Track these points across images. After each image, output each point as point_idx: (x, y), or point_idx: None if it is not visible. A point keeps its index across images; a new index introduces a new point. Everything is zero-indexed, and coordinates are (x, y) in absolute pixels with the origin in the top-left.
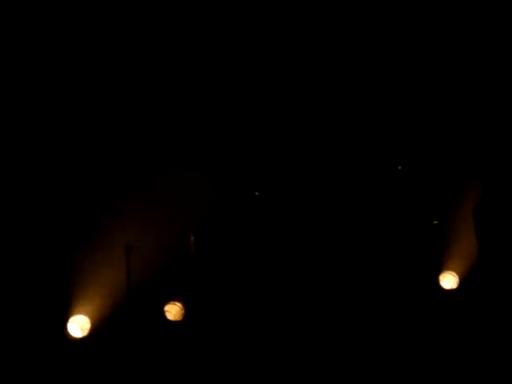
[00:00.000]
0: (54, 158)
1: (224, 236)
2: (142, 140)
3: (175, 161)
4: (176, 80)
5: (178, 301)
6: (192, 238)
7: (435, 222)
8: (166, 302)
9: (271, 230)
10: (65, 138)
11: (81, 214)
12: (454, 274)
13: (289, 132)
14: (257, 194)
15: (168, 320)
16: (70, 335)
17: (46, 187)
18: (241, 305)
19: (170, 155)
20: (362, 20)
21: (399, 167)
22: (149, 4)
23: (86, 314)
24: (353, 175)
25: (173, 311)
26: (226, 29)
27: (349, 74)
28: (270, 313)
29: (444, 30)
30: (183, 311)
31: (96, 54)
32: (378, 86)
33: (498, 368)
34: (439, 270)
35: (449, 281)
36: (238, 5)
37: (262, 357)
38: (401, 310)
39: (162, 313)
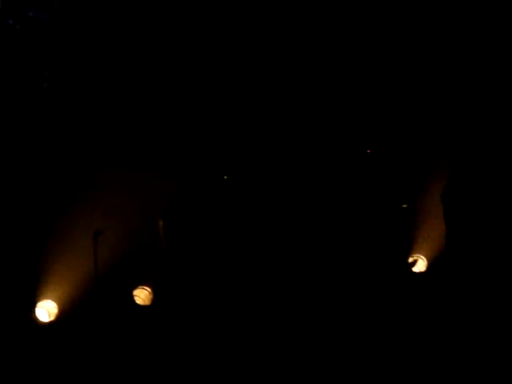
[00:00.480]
0: (21, 146)
1: (193, 220)
2: (109, 126)
3: (143, 145)
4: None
5: (147, 285)
6: (161, 222)
7: (404, 206)
8: (135, 286)
9: (240, 213)
10: (30, 125)
11: (48, 199)
12: (422, 257)
13: (255, 115)
14: (225, 177)
15: (137, 304)
16: (38, 320)
17: (13, 173)
18: (210, 290)
19: (137, 140)
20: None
21: (368, 151)
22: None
23: (53, 299)
24: (320, 157)
25: (142, 296)
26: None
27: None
28: (240, 297)
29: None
30: (152, 296)
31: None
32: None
33: (467, 353)
34: (408, 254)
35: (418, 264)
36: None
37: (231, 343)
38: (370, 293)
39: (131, 297)
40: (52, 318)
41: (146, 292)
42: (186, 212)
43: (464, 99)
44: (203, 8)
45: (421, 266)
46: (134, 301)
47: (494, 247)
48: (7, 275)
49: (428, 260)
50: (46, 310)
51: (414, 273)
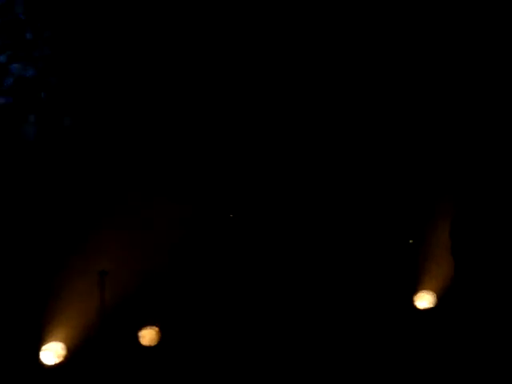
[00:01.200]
0: (31, 184)
1: (202, 257)
2: (118, 167)
3: (150, 186)
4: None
5: (153, 326)
6: (167, 258)
7: (411, 241)
8: (141, 327)
9: (247, 251)
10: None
11: (55, 239)
12: (430, 292)
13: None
14: (231, 216)
15: (143, 345)
16: (44, 363)
17: (22, 213)
18: (217, 329)
19: (144, 181)
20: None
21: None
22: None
23: (60, 340)
24: (329, 193)
25: (148, 336)
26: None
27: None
28: (246, 336)
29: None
30: (158, 336)
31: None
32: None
33: None
34: (414, 290)
35: (424, 300)
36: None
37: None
38: (377, 328)
39: (137, 338)
40: (59, 359)
41: (153, 332)
42: (194, 249)
43: (466, 135)
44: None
45: (428, 301)
46: (139, 342)
47: (503, 283)
48: (14, 316)
49: (436, 296)
50: (53, 352)
51: (421, 309)
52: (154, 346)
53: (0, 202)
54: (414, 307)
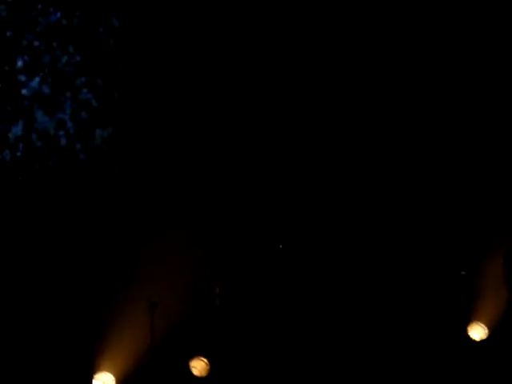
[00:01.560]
0: (79, 214)
1: (248, 288)
2: (164, 196)
3: (193, 221)
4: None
5: (204, 356)
6: (217, 289)
7: (463, 273)
8: (192, 357)
9: (292, 282)
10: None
11: (106, 270)
12: (482, 325)
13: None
14: (281, 246)
15: (194, 376)
16: None
17: (71, 242)
18: (265, 359)
19: (191, 211)
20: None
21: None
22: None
23: (110, 371)
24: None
25: (198, 367)
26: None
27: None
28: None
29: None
30: (209, 366)
31: None
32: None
33: None
34: (468, 321)
35: (478, 332)
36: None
37: None
38: (430, 359)
39: (188, 368)
40: None
41: (203, 363)
42: (240, 280)
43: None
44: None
45: (481, 333)
46: (190, 372)
47: None
48: (66, 345)
49: (489, 328)
50: (103, 383)
51: (474, 341)
52: (205, 377)
53: (52, 228)
54: (468, 338)
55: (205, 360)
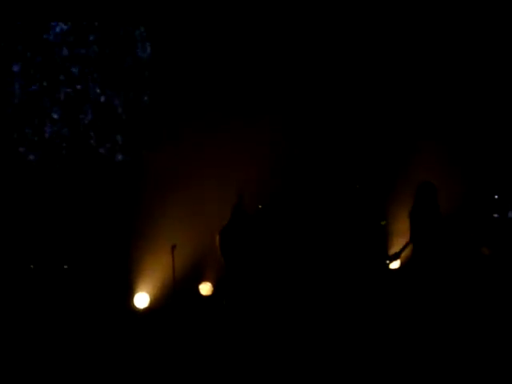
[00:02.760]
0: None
1: (240, 236)
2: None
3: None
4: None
5: (209, 281)
6: (217, 237)
7: (383, 223)
8: (200, 282)
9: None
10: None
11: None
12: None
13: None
14: (260, 207)
15: (201, 295)
16: (136, 306)
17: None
18: (254, 291)
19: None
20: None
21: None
22: None
23: (146, 291)
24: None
25: (205, 288)
26: None
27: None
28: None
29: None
30: (212, 289)
31: None
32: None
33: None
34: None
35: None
36: None
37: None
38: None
39: (198, 290)
40: (146, 305)
41: (208, 286)
42: (236, 230)
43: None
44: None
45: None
46: (199, 292)
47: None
48: (113, 277)
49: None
50: (142, 300)
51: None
52: (210, 296)
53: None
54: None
55: (209, 284)
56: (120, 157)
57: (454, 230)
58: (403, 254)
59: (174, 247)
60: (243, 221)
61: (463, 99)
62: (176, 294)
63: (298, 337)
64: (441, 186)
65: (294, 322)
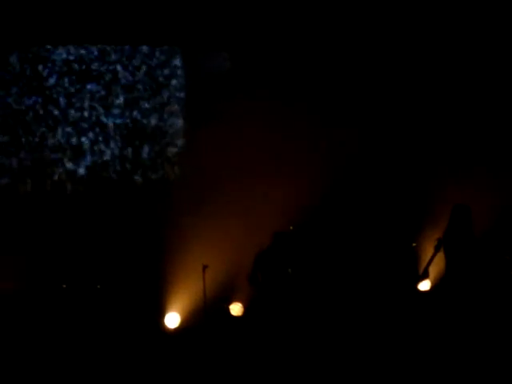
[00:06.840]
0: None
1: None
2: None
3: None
4: None
5: (239, 302)
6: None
7: (414, 245)
8: (230, 302)
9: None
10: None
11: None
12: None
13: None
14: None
15: (231, 316)
16: (166, 326)
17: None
18: (285, 312)
19: (240, 184)
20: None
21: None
22: None
23: (177, 311)
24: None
25: (235, 309)
26: None
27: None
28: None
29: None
30: (243, 309)
31: None
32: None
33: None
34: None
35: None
36: None
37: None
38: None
39: (228, 310)
40: (177, 325)
41: (239, 306)
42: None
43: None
44: None
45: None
46: (229, 313)
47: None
48: (144, 297)
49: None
50: (172, 319)
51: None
52: (240, 317)
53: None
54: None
55: (240, 304)
56: (154, 176)
57: (489, 253)
58: (433, 276)
59: (205, 267)
60: (285, 247)
61: (497, 122)
62: (206, 315)
63: (328, 357)
64: (474, 207)
65: (324, 342)
